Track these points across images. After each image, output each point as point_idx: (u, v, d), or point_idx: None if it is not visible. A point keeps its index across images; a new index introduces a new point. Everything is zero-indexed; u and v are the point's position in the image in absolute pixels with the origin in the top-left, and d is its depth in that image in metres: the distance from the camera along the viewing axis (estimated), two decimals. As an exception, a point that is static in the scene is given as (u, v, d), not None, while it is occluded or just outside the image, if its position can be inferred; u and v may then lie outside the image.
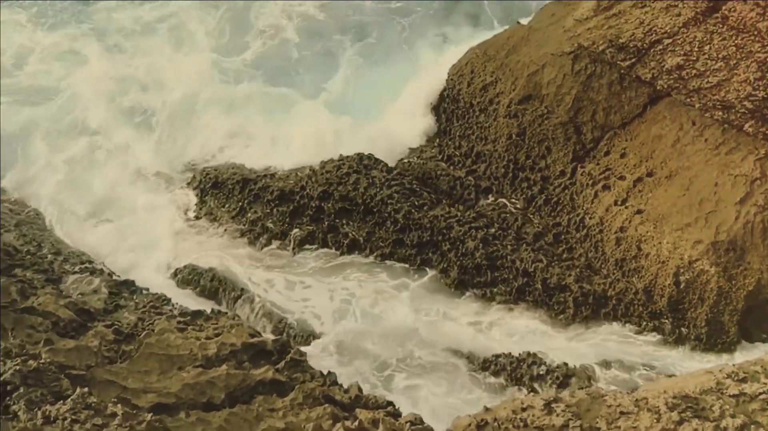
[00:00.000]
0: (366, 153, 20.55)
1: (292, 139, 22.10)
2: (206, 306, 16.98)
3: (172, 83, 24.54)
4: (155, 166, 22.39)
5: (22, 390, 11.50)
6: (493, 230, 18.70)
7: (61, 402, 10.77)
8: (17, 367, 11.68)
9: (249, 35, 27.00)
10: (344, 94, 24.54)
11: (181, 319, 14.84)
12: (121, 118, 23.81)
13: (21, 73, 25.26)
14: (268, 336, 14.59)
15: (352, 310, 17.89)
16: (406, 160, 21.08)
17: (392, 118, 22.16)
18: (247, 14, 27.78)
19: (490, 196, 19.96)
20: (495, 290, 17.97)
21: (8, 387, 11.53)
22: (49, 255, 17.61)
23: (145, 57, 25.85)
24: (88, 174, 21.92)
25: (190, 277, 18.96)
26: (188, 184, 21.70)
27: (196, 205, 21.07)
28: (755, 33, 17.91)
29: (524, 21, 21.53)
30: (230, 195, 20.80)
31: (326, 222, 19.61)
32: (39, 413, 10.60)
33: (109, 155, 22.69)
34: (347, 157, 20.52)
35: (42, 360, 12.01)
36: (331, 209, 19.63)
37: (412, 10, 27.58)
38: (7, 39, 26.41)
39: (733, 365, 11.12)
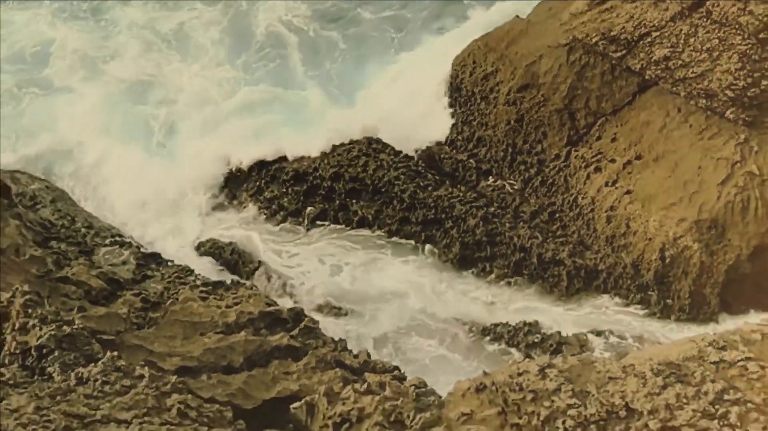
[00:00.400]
0: (375, 137, 20.49)
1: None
2: (226, 277, 17.00)
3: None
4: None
5: (56, 353, 11.51)
6: (492, 209, 18.70)
7: (93, 364, 10.77)
8: (52, 332, 11.68)
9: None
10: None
11: (204, 289, 14.85)
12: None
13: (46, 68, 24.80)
14: (284, 305, 14.57)
15: (361, 281, 17.88)
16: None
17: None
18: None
19: (490, 177, 19.94)
20: (494, 264, 17.98)
21: (44, 351, 11.53)
22: (83, 229, 17.62)
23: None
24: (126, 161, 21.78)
25: (211, 250, 18.98)
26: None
27: (219, 185, 21.02)
28: (737, 26, 18.01)
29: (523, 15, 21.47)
30: (249, 176, 20.79)
31: (337, 201, 19.62)
32: (72, 375, 10.61)
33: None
34: (357, 140, 20.46)
35: (75, 326, 12.02)
36: (341, 189, 19.64)
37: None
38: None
39: (714, 334, 11.08)
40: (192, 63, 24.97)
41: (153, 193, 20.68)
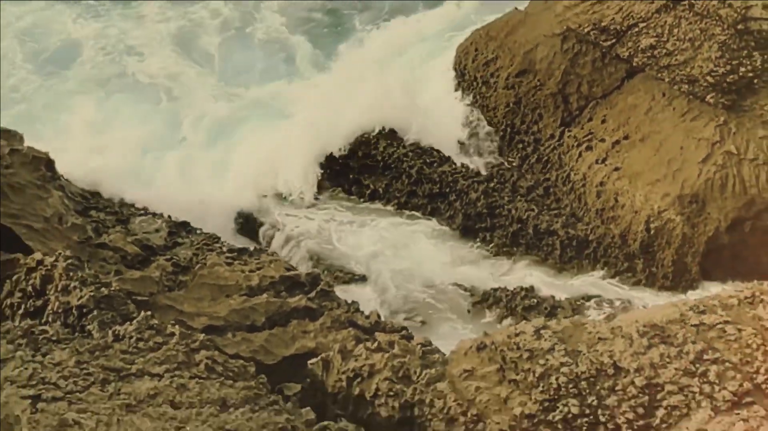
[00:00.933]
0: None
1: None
2: (248, 244, 16.89)
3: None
4: None
5: (95, 312, 11.51)
6: (492, 184, 18.62)
7: (128, 323, 10.75)
8: (92, 293, 11.68)
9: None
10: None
11: (229, 255, 14.79)
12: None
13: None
14: (302, 270, 14.51)
15: (371, 249, 17.77)
16: None
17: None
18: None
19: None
20: (494, 234, 17.89)
21: (84, 310, 11.53)
22: (118, 200, 17.54)
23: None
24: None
25: (237, 220, 18.86)
26: None
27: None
28: (717, 18, 17.94)
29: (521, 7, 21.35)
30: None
31: (351, 176, 19.51)
32: (110, 332, 10.59)
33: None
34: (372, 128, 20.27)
35: (112, 288, 12.01)
36: (355, 164, 19.52)
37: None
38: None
39: (695, 299, 11.04)
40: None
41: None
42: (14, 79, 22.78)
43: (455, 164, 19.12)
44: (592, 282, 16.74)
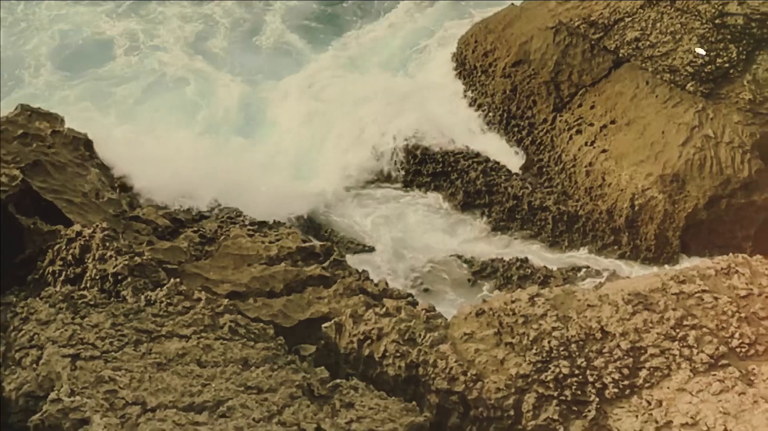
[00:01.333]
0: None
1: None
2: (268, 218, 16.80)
3: None
4: None
5: (129, 279, 11.50)
6: (490, 164, 18.49)
7: (159, 289, 10.76)
8: (126, 262, 11.66)
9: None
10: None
11: (250, 228, 14.78)
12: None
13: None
14: (316, 242, 14.45)
15: (380, 223, 17.65)
16: None
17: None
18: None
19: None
20: (492, 210, 17.77)
21: (119, 277, 11.51)
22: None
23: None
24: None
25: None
26: None
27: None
28: (696, 13, 17.94)
29: (517, 3, 21.22)
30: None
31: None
32: (142, 297, 10.59)
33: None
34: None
35: (145, 257, 11.98)
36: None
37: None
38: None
39: (675, 270, 11.00)
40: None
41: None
42: (46, 72, 22.33)
43: (457, 146, 19.00)
44: (581, 254, 16.66)
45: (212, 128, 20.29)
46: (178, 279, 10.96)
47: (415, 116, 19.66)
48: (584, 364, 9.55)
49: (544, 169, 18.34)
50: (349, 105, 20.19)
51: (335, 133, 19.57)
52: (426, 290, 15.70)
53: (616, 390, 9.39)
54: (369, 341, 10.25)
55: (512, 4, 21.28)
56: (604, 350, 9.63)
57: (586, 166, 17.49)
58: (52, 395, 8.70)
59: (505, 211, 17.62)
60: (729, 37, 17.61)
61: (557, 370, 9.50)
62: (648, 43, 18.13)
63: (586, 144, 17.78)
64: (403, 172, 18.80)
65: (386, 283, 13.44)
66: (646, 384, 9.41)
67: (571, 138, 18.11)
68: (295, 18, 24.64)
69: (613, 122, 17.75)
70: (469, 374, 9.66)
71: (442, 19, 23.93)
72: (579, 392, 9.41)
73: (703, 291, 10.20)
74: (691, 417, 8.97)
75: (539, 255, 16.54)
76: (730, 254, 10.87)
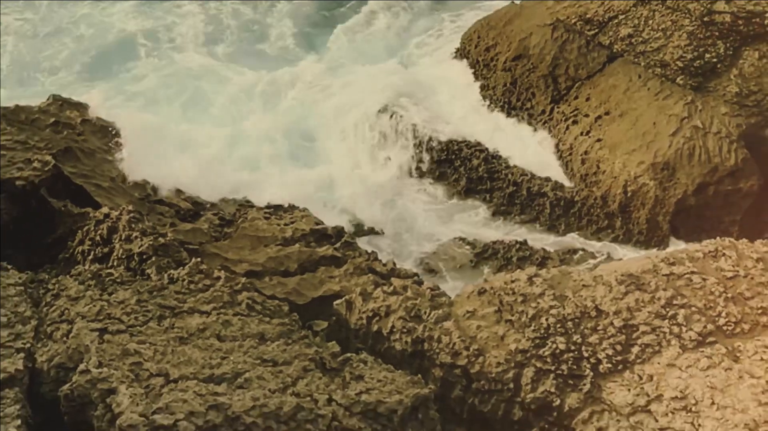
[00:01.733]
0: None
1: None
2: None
3: None
4: None
5: (153, 258, 11.47)
6: (491, 152, 18.34)
7: (181, 268, 10.71)
8: (150, 242, 11.64)
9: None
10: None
11: (267, 211, 14.69)
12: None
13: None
14: (328, 225, 14.36)
15: (386, 208, 17.53)
16: None
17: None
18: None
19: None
20: (493, 195, 17.65)
21: (144, 256, 11.48)
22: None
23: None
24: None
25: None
26: None
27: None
28: (686, 11, 17.71)
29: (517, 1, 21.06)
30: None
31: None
32: (165, 275, 10.54)
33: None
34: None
35: (168, 238, 11.95)
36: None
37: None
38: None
39: (665, 252, 10.88)
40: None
41: None
42: (80, 65, 22.11)
43: (460, 135, 18.84)
44: (577, 237, 16.53)
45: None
46: (199, 259, 10.89)
47: (421, 107, 19.54)
48: (580, 341, 9.45)
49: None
50: (351, 95, 19.94)
51: (343, 120, 19.35)
52: (431, 271, 15.61)
53: (609, 365, 9.30)
54: (377, 317, 10.17)
55: (512, 1, 21.15)
56: (599, 327, 9.53)
57: (581, 155, 17.33)
58: (81, 366, 8.65)
59: (506, 197, 17.48)
60: (717, 33, 17.39)
61: (554, 346, 9.41)
62: (640, 39, 17.96)
63: (581, 134, 17.62)
64: (409, 159, 18.68)
65: (394, 263, 13.34)
66: (638, 360, 9.31)
67: (567, 128, 17.93)
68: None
69: (607, 113, 17.58)
70: (471, 349, 9.57)
71: (441, 12, 23.73)
72: (575, 367, 9.32)
73: (692, 272, 10.08)
74: (681, 391, 8.87)
75: (537, 238, 16.39)
76: (718, 238, 10.72)
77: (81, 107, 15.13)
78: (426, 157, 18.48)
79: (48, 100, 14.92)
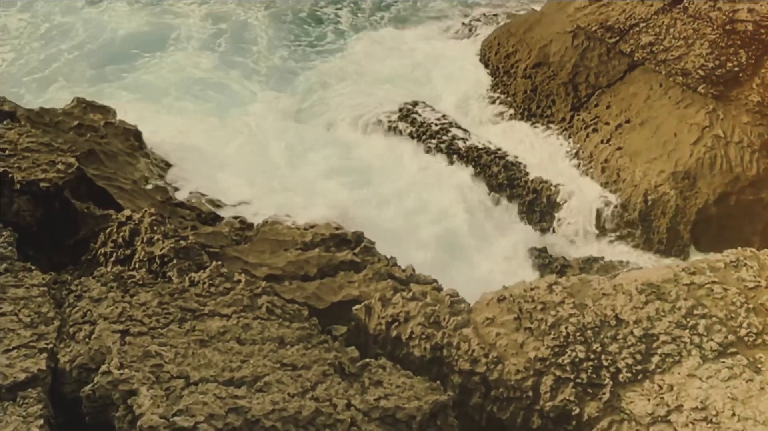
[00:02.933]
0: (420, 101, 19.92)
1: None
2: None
3: None
4: None
5: (175, 261, 11.49)
6: (510, 158, 18.31)
7: (202, 271, 10.71)
8: (172, 245, 11.65)
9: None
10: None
11: (287, 215, 14.67)
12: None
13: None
14: (348, 230, 14.36)
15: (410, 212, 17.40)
16: None
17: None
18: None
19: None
20: (512, 202, 17.59)
21: (165, 259, 11.51)
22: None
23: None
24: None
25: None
26: None
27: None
28: (708, 20, 17.61)
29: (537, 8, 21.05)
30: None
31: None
32: (186, 278, 10.55)
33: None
34: (406, 102, 19.90)
35: (189, 241, 11.96)
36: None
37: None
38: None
39: (686, 262, 10.80)
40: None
41: None
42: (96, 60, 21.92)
43: (480, 141, 18.81)
44: (597, 245, 16.48)
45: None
46: (219, 262, 10.90)
47: (439, 113, 19.50)
48: (599, 349, 9.40)
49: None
50: (367, 97, 19.88)
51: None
52: (449, 279, 15.46)
53: (629, 374, 9.24)
54: (396, 323, 10.15)
55: (533, 9, 21.14)
56: (618, 336, 9.48)
57: (602, 163, 17.30)
58: (103, 368, 8.69)
59: (525, 204, 17.49)
60: (739, 42, 17.31)
61: (574, 354, 9.37)
62: (662, 47, 17.88)
63: (602, 142, 17.59)
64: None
65: (413, 269, 13.32)
66: (658, 370, 9.25)
67: (587, 136, 17.92)
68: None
69: (627, 121, 17.54)
70: (490, 356, 9.55)
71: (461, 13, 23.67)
72: (594, 375, 9.27)
73: (713, 282, 10.02)
74: (701, 402, 8.81)
75: (557, 244, 16.36)
76: (739, 248, 10.66)
77: (104, 110, 15.21)
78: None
79: (72, 102, 15.02)
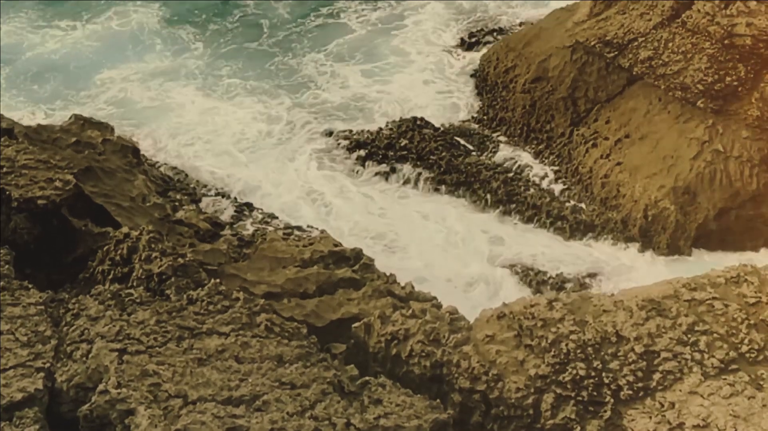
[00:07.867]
0: (419, 116, 20.01)
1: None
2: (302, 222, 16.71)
3: None
4: None
5: (173, 279, 11.50)
6: (510, 174, 18.37)
7: (200, 288, 10.72)
8: (170, 263, 11.66)
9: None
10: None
11: (285, 231, 14.75)
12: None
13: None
14: (347, 247, 14.36)
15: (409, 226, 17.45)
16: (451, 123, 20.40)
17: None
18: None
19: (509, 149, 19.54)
20: (512, 217, 17.60)
21: (163, 277, 11.51)
22: (192, 183, 17.47)
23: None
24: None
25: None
26: None
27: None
28: (706, 34, 17.61)
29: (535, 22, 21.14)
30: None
31: (389, 166, 19.22)
32: (184, 296, 10.56)
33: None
34: (406, 119, 20.00)
35: (187, 258, 11.97)
36: (393, 156, 19.24)
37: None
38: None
39: (687, 278, 10.80)
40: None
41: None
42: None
43: (478, 157, 18.85)
44: (598, 259, 16.44)
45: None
46: (218, 280, 10.91)
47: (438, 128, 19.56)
48: (600, 366, 9.39)
49: (562, 180, 18.23)
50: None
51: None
52: (449, 294, 15.45)
53: (630, 391, 9.23)
54: (396, 341, 10.14)
55: (531, 23, 21.22)
56: (619, 353, 9.47)
57: (601, 178, 17.33)
58: (101, 387, 8.69)
59: (525, 220, 17.50)
60: (737, 56, 17.35)
61: (574, 372, 9.36)
62: (660, 61, 17.92)
63: (601, 157, 17.63)
64: (429, 181, 18.68)
65: (412, 286, 13.31)
66: (659, 387, 9.24)
67: (587, 151, 17.96)
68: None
69: (627, 136, 17.59)
70: (490, 374, 9.53)
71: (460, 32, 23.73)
72: (595, 393, 9.26)
73: (714, 298, 10.01)
74: (703, 419, 8.79)
75: (557, 259, 16.32)
76: (740, 263, 10.66)
77: (102, 127, 15.29)
78: (444, 178, 18.44)
79: (70, 119, 15.08)
